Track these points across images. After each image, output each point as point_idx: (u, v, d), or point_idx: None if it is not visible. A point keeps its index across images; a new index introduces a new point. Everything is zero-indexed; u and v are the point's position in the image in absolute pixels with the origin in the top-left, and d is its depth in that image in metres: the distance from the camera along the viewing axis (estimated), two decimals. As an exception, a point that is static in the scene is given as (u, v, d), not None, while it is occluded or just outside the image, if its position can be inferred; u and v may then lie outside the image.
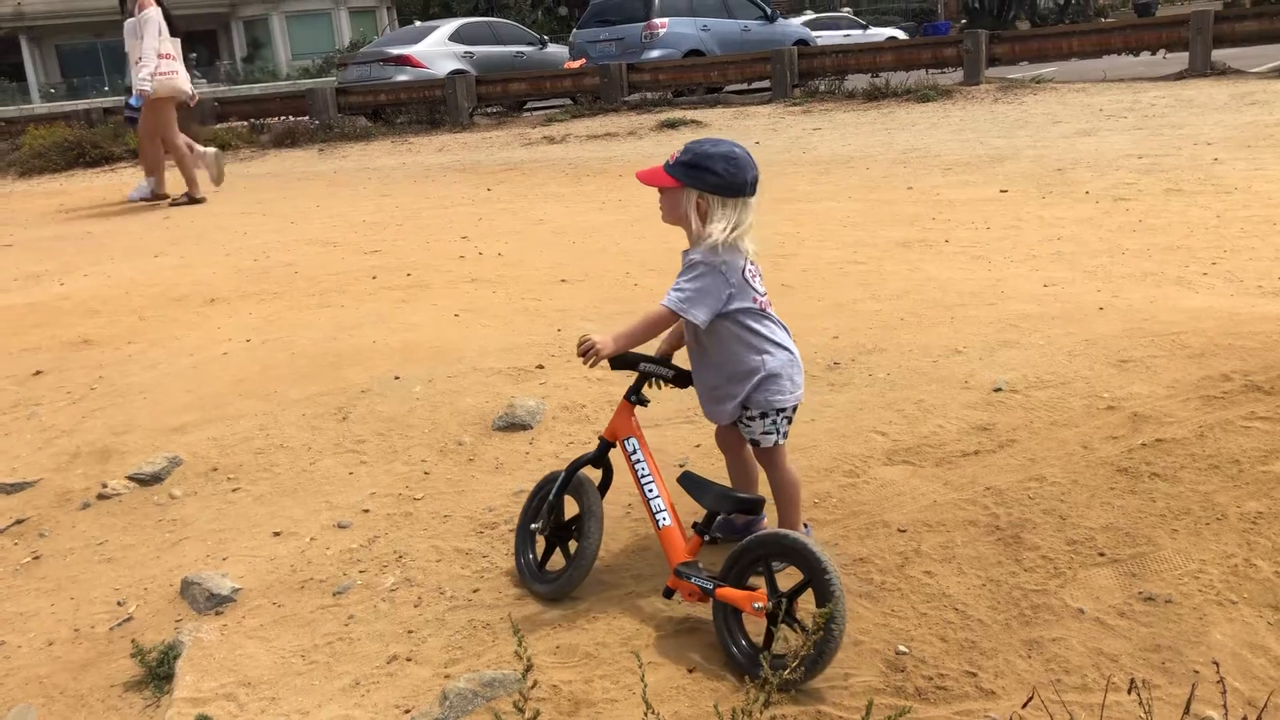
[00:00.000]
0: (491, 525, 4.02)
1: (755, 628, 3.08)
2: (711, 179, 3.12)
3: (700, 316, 3.10)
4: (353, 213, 9.94)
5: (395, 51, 21.34)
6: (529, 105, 20.64)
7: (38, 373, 6.11)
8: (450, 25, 22.28)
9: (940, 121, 12.93)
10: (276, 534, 4.21)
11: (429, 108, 18.90)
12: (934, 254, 6.75)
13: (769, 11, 21.77)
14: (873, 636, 3.12)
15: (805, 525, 3.54)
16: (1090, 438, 4.02)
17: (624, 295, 6.36)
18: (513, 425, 4.75)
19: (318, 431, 4.96)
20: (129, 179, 15.51)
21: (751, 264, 3.24)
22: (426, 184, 11.56)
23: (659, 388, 3.54)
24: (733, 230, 3.15)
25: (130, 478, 4.69)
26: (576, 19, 24.00)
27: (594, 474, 3.60)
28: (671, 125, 14.37)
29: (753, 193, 3.18)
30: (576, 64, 20.27)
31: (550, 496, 3.54)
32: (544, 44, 23.40)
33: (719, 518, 3.22)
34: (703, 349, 3.29)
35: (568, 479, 3.54)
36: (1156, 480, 3.68)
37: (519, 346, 5.63)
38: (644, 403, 3.47)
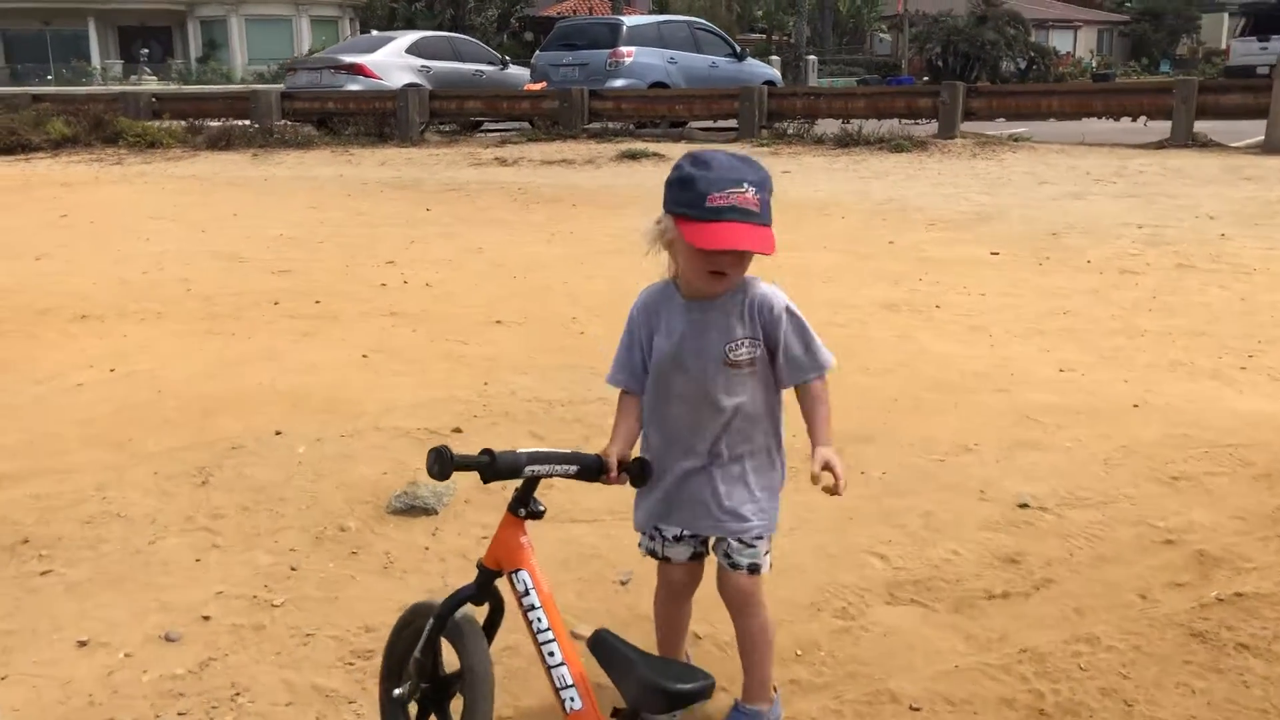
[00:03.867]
0: (365, 653, 3.04)
1: None
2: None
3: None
4: (272, 225, 8.91)
5: (348, 59, 20.29)
6: (486, 127, 19.69)
7: None
8: (408, 37, 21.31)
9: (917, 173, 12.19)
10: (82, 643, 3.18)
11: (378, 120, 17.87)
12: (925, 321, 5.88)
13: (738, 50, 21.09)
14: None
15: (774, 690, 2.57)
16: (1148, 583, 3.14)
17: (567, 344, 5.41)
18: (413, 508, 3.78)
19: (167, 498, 3.94)
20: (44, 169, 14.34)
21: None
22: (361, 199, 10.56)
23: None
24: None
25: (-89, 548, 3.62)
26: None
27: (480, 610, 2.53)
28: (632, 156, 13.51)
29: None
30: (537, 86, 19.37)
31: (417, 653, 2.48)
32: (505, 65, 22.50)
33: None
34: (743, 433, 2.31)
35: (439, 627, 2.46)
36: (1246, 655, 2.80)
37: (435, 402, 4.66)
38: (537, 515, 2.39)
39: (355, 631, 3.14)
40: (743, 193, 2.12)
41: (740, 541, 2.35)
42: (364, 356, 5.21)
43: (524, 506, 2.27)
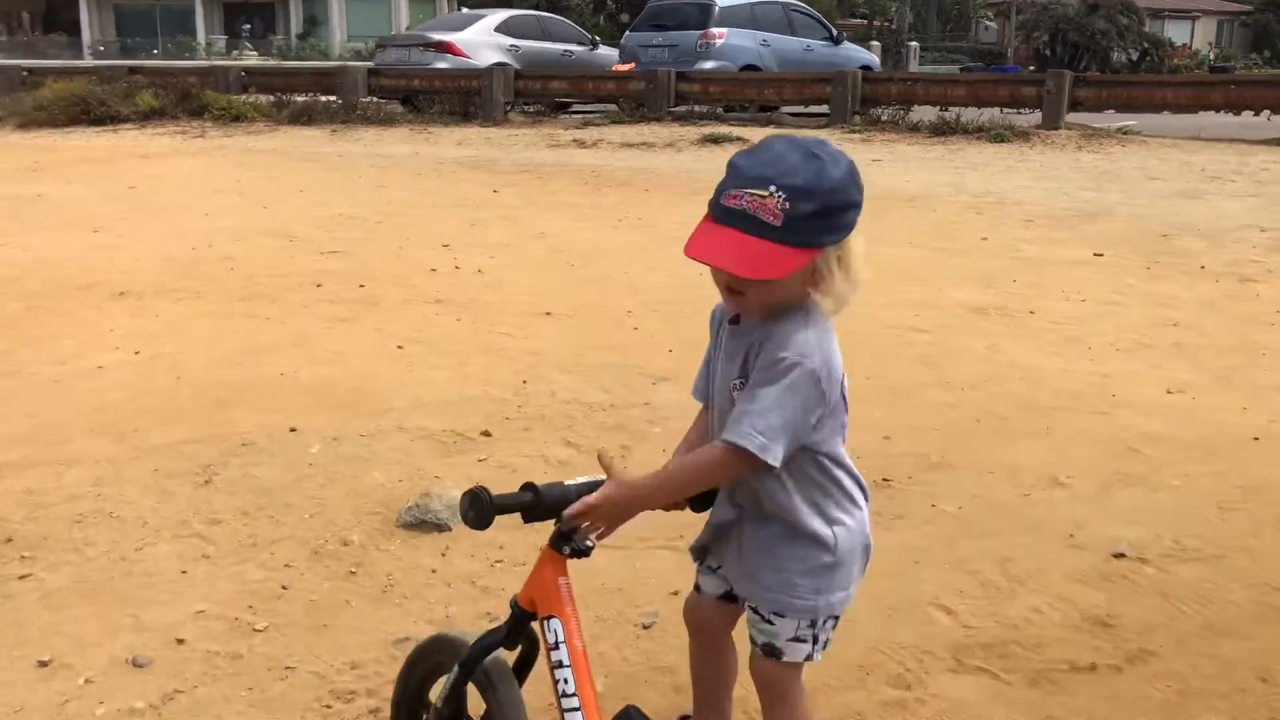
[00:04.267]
0: (347, 695, 2.67)
1: None
2: (854, 216, 1.72)
3: (777, 455, 1.71)
4: (334, 203, 8.64)
5: (436, 37, 20.08)
6: (573, 108, 19.34)
7: None
8: (498, 15, 21.00)
9: (1016, 165, 11.49)
10: (44, 663, 2.87)
11: (463, 99, 17.62)
12: (1017, 328, 5.33)
13: (834, 33, 20.36)
14: None
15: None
16: (1270, 663, 2.62)
17: (618, 341, 4.99)
18: (424, 523, 3.40)
19: (165, 499, 3.62)
20: (129, 141, 14.38)
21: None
22: (431, 178, 10.26)
23: None
24: (853, 288, 1.76)
25: (-109, 542, 3.35)
26: (638, 25, 22.71)
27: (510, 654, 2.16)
28: (714, 140, 13.01)
29: None
30: (625, 67, 18.92)
31: (438, 703, 2.10)
32: (595, 45, 22.10)
33: None
34: (766, 492, 1.85)
35: (464, 675, 2.08)
36: (1395, 767, 2.26)
37: (467, 400, 4.28)
38: (583, 553, 2.01)
39: (339, 668, 2.77)
40: (761, 196, 1.63)
41: (756, 613, 1.90)
42: (399, 347, 4.85)
43: (568, 543, 1.89)
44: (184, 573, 3.23)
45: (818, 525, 1.83)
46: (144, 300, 5.65)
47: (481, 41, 19.83)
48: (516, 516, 1.89)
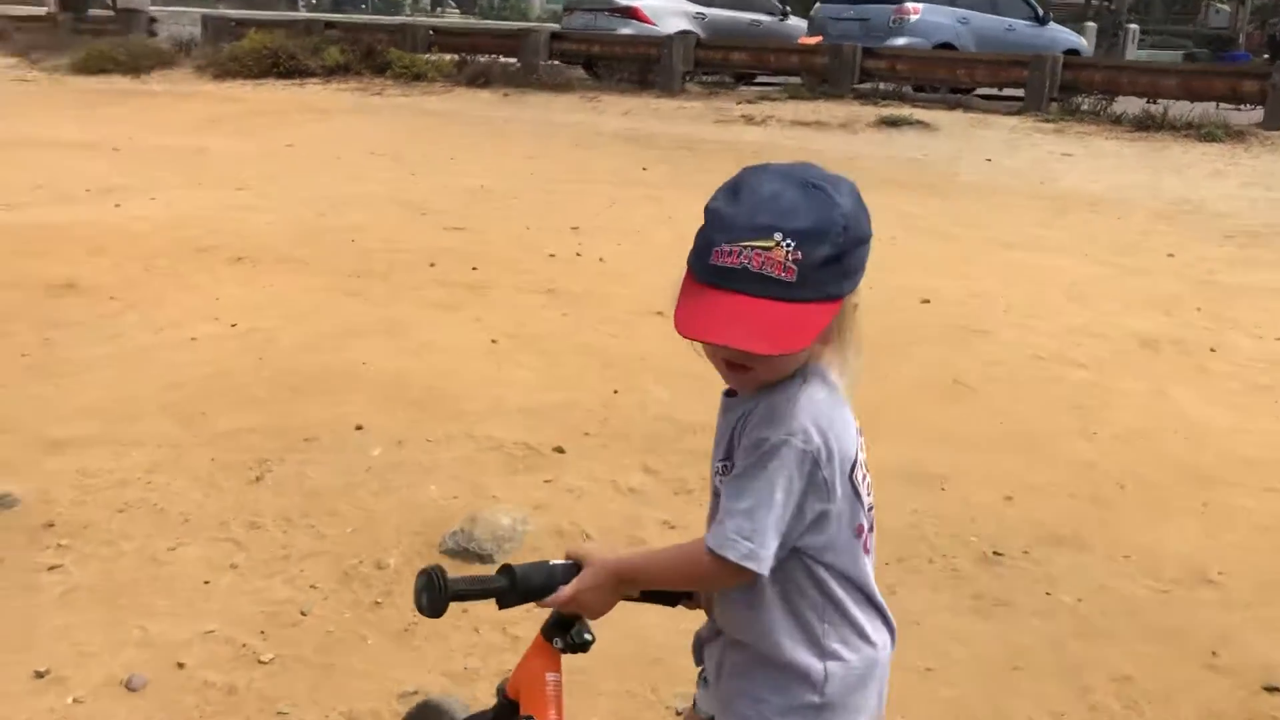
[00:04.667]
0: (329, 756, 2.37)
1: None
2: (866, 253, 1.36)
3: (766, 561, 1.35)
4: (479, 173, 8.45)
5: (623, 2, 19.80)
6: (755, 79, 18.75)
7: (-13, 319, 4.85)
8: (686, -18, 20.56)
9: (1225, 169, 10.37)
10: (40, 675, 2.69)
11: (641, 66, 17.28)
12: (1192, 368, 4.64)
13: (1040, 13, 19.03)
14: None
15: None
16: None
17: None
18: (465, 551, 3.11)
19: (213, 493, 3.44)
20: (308, 95, 14.67)
21: (859, 432, 1.46)
22: (586, 150, 9.98)
23: None
24: (856, 352, 1.43)
25: (-64, 515, 3.27)
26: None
27: None
28: (893, 123, 12.26)
29: None
30: (812, 40, 18.19)
31: None
32: (785, 16, 21.37)
33: None
34: (739, 614, 1.47)
35: None
36: None
37: (549, 408, 3.96)
38: (580, 647, 1.63)
39: (333, 720, 2.48)
40: (766, 248, 1.26)
41: None
42: (493, 341, 4.56)
43: (561, 635, 1.56)
44: (206, 583, 3.02)
45: (802, 655, 1.42)
46: (258, 268, 5.55)
47: (668, 8, 19.44)
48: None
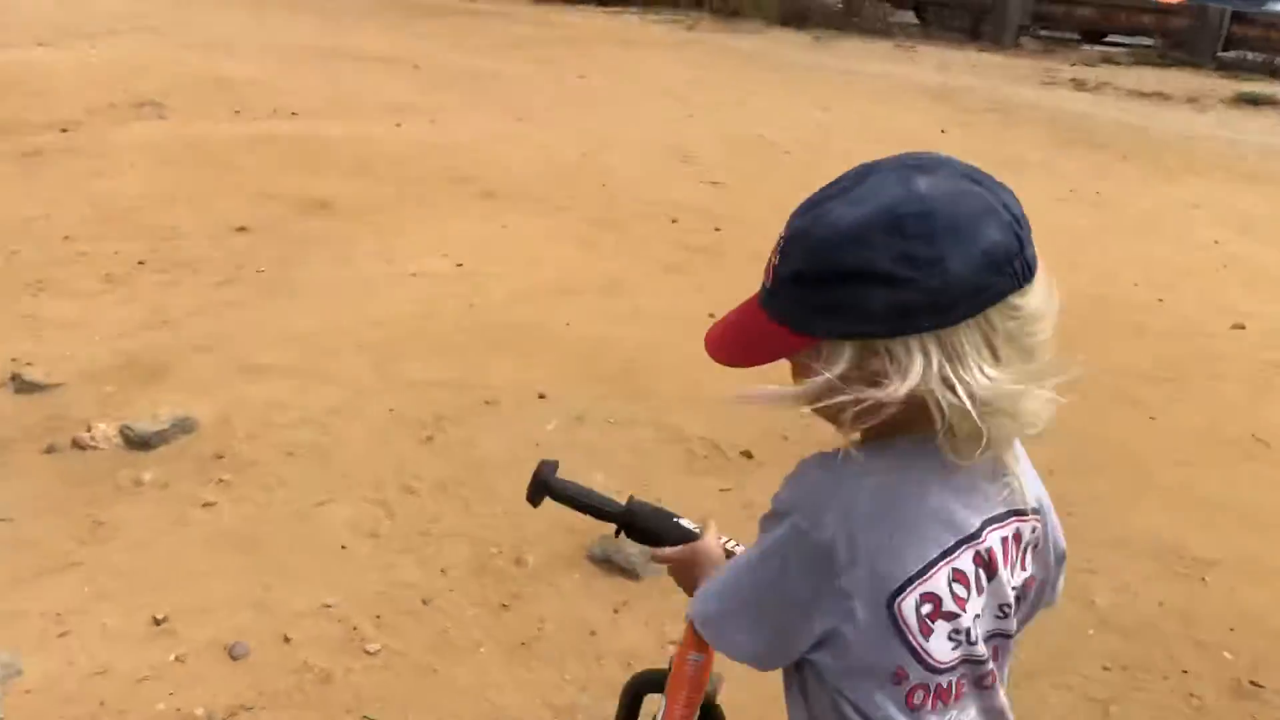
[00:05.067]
0: (396, 783, 2.13)
1: None
2: (884, 297, 0.91)
3: (743, 649, 1.08)
4: (762, 122, 7.97)
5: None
6: (1105, 38, 17.01)
7: (240, 229, 4.97)
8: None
9: None
10: (158, 622, 2.62)
11: (974, 15, 16.07)
12: None
13: None
14: None
15: None
16: None
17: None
18: (610, 562, 2.79)
19: (379, 448, 3.29)
20: (618, 25, 14.60)
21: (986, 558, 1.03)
22: (883, 105, 9.25)
23: None
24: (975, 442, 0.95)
25: (124, 430, 3.29)
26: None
27: None
28: (1251, 101, 10.66)
29: (1002, 294, 0.92)
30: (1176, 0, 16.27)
31: None
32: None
33: None
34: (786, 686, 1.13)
35: None
36: None
37: (759, 413, 3.52)
38: None
39: (417, 741, 2.24)
40: (771, 255, 0.99)
41: None
42: (710, 315, 4.16)
43: None
44: (344, 548, 2.86)
45: None
46: (503, 205, 5.40)
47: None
48: None
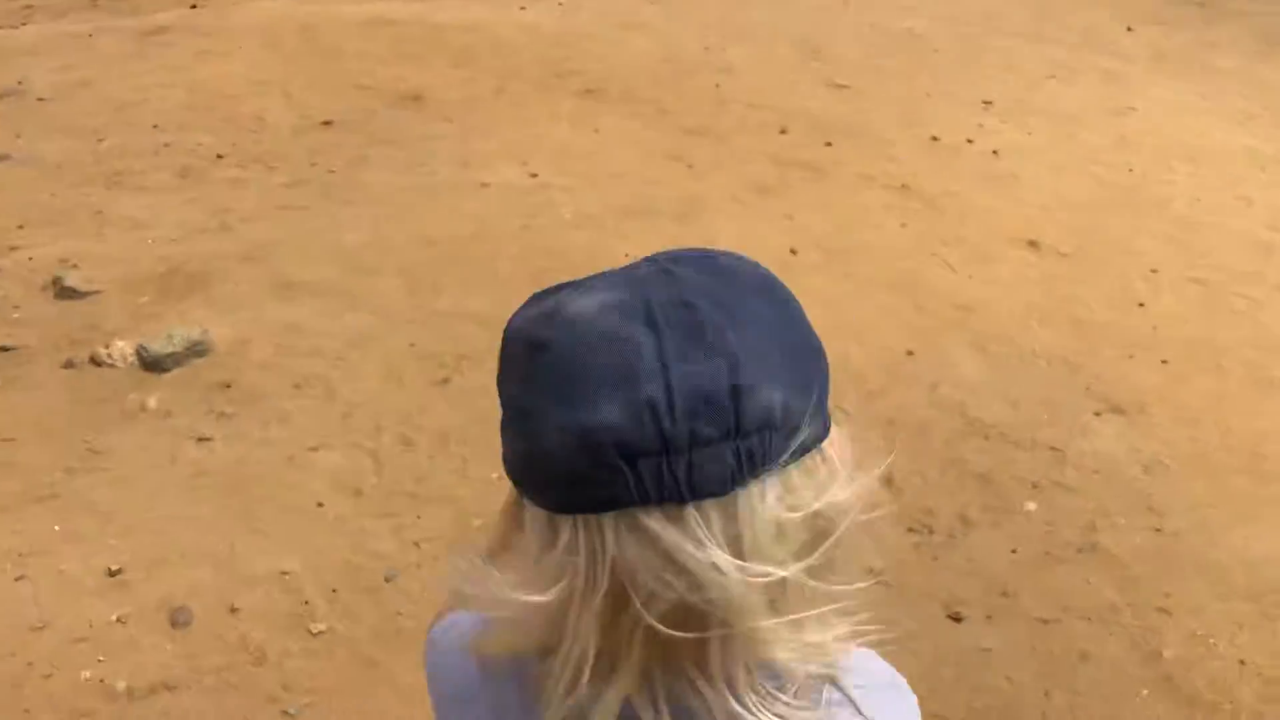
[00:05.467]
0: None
1: None
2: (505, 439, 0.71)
3: None
4: (918, 10, 7.16)
5: None
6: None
7: (326, 123, 4.76)
8: None
9: None
10: (113, 574, 2.47)
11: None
12: None
13: None
14: None
15: None
16: None
17: (1107, 318, 3.45)
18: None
19: (391, 388, 3.08)
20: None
21: None
22: (1073, -6, 8.21)
23: None
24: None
25: (139, 350, 3.16)
26: None
27: None
28: None
29: (612, 500, 0.59)
30: None
31: None
32: None
33: None
34: None
35: None
36: None
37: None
38: None
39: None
40: None
41: None
42: (791, 252, 3.70)
43: None
44: (320, 506, 2.65)
45: None
46: (600, 106, 4.98)
47: None
48: None
